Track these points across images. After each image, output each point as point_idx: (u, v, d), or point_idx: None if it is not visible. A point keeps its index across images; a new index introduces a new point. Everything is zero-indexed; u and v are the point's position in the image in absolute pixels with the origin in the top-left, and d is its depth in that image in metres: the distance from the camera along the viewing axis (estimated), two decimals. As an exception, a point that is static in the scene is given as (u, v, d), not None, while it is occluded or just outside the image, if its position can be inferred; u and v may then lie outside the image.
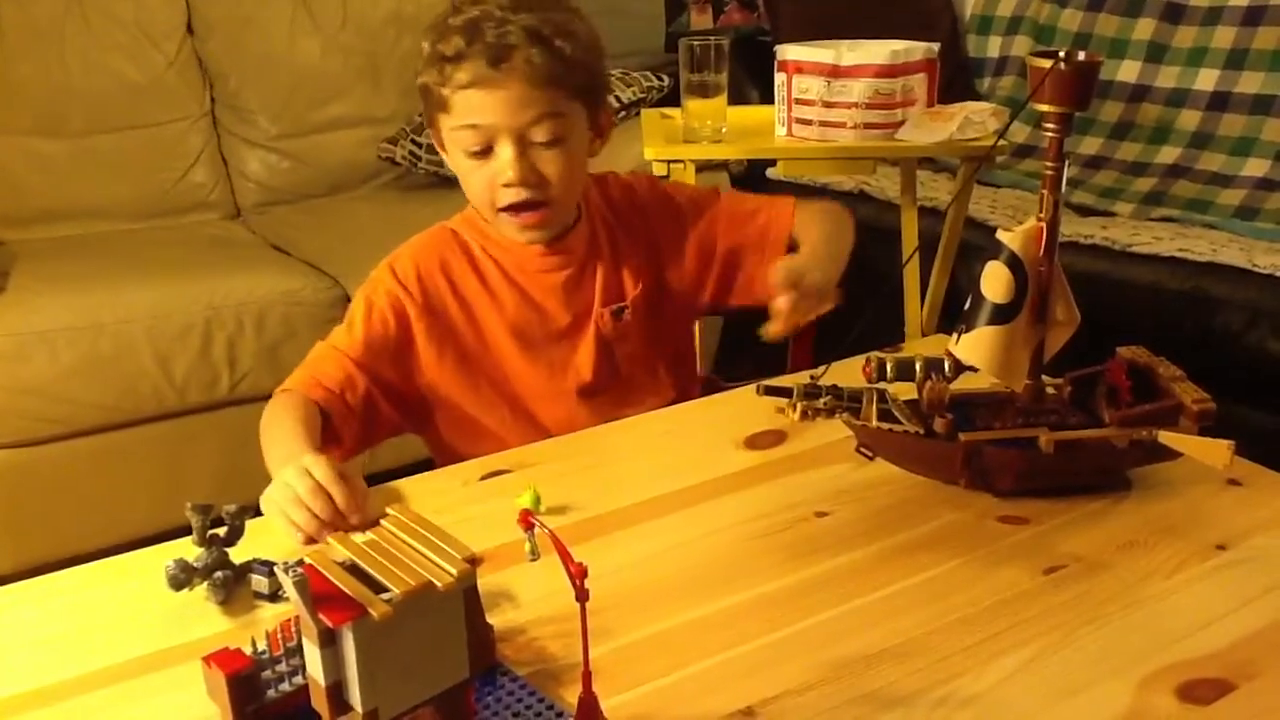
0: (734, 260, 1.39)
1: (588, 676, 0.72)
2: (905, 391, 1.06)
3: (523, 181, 1.21)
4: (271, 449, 1.11)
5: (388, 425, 1.27)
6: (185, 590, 0.91)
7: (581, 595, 0.68)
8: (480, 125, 1.20)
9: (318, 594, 0.63)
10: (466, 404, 1.29)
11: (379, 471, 2.23)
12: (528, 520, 0.90)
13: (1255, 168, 2.41)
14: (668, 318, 1.40)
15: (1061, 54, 0.95)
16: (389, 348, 1.26)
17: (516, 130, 1.20)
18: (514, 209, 1.23)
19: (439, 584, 0.64)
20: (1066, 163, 0.99)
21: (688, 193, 1.45)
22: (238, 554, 0.93)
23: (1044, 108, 0.97)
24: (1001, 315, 0.99)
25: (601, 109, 1.30)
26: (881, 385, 1.05)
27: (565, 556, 0.69)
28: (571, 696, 0.74)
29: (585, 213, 1.34)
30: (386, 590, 0.64)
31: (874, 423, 1.02)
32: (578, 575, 0.68)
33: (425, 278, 1.29)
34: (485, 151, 1.21)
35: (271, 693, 0.71)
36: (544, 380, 1.30)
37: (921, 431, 1.02)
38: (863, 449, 1.07)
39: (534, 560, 0.94)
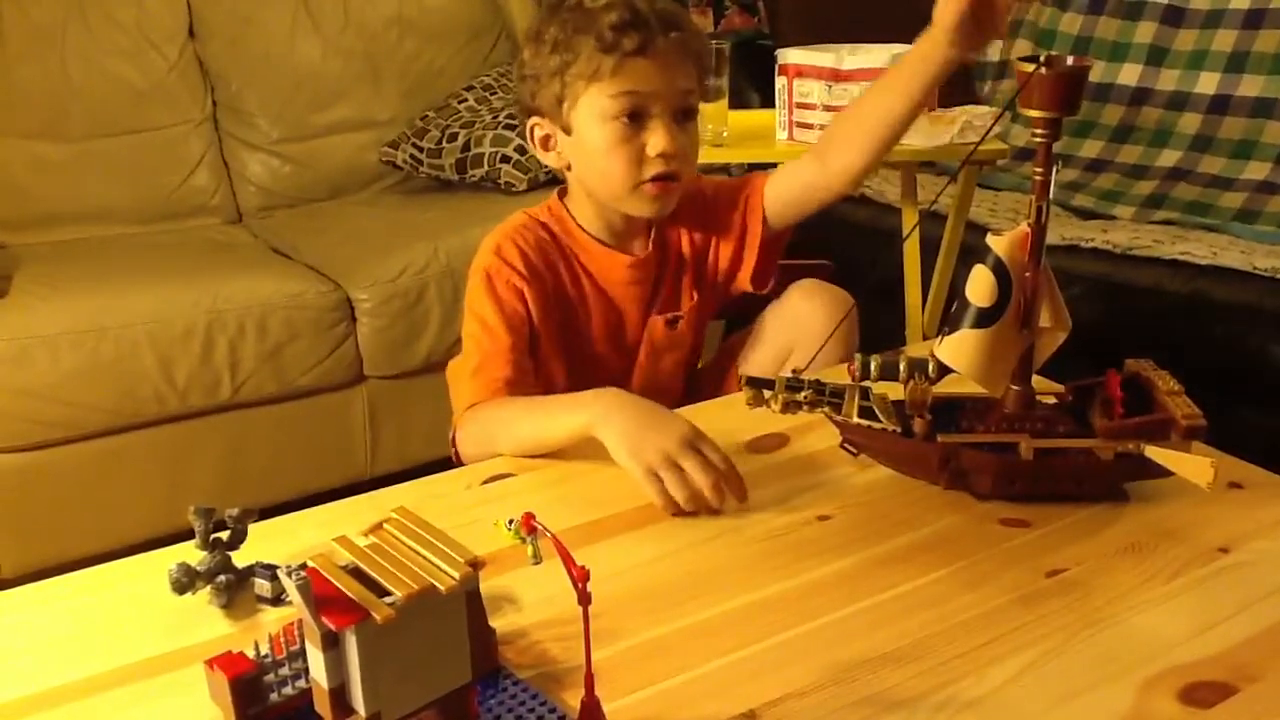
0: (734, 250, 1.39)
1: (590, 679, 0.72)
2: (899, 391, 1.06)
3: (675, 152, 1.24)
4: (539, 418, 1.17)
5: None
6: (188, 594, 0.91)
7: (583, 598, 0.69)
8: (641, 92, 1.22)
9: (320, 597, 0.63)
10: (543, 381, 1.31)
11: (381, 475, 2.24)
12: (530, 524, 0.91)
13: (1256, 171, 2.41)
14: (704, 321, 1.42)
15: (1042, 58, 0.94)
16: (527, 331, 1.28)
17: (673, 100, 1.24)
18: (656, 179, 1.25)
19: (441, 587, 0.64)
20: (1056, 168, 0.99)
21: (719, 187, 1.43)
22: (240, 557, 0.93)
23: (1032, 113, 0.96)
24: (984, 319, 0.99)
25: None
26: (866, 383, 1.05)
27: (567, 560, 0.69)
28: (574, 700, 0.74)
29: (660, 222, 1.35)
30: (389, 593, 0.64)
31: (854, 419, 1.02)
32: (580, 579, 0.68)
33: (529, 256, 1.30)
34: (635, 121, 1.24)
35: (274, 696, 0.71)
36: (604, 379, 1.31)
37: (899, 430, 1.02)
38: (846, 445, 1.08)
39: (536, 564, 0.94)
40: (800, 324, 1.34)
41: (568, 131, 1.28)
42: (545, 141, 1.32)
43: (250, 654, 0.71)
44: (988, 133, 1.32)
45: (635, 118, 1.23)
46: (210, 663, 0.70)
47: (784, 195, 1.36)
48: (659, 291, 1.37)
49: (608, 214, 1.33)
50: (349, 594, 0.63)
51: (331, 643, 0.63)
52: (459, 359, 1.30)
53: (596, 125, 1.24)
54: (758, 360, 1.39)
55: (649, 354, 1.37)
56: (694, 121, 1.28)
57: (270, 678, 0.71)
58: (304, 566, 0.64)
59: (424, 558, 0.67)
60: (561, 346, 1.32)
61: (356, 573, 0.66)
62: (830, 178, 1.33)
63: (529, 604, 0.90)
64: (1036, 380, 1.05)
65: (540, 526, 0.77)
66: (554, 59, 1.24)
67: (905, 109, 1.23)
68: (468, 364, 1.26)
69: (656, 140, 1.23)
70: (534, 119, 1.31)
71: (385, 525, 0.71)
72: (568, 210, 1.35)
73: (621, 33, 1.20)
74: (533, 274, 1.29)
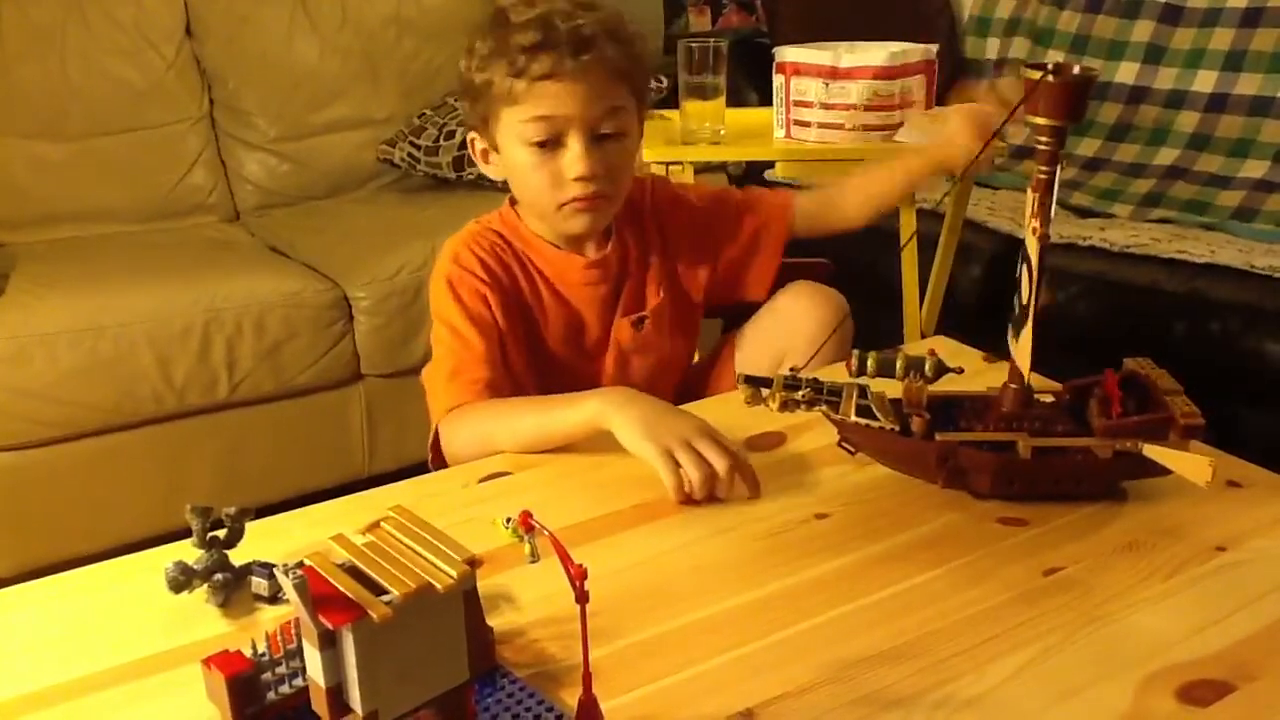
0: (740, 261, 1.42)
1: (588, 678, 0.72)
2: (898, 390, 1.06)
3: (593, 174, 1.22)
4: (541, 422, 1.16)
5: None
6: (185, 592, 0.91)
7: (581, 597, 0.68)
8: (554, 117, 1.21)
9: (317, 596, 0.63)
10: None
11: (379, 473, 2.24)
12: (528, 522, 0.90)
13: (1253, 169, 2.41)
14: (682, 325, 1.41)
15: (1051, 66, 0.94)
16: (496, 334, 1.27)
17: (589, 122, 1.22)
18: (577, 201, 1.24)
19: (439, 586, 0.64)
20: (1060, 166, 0.98)
21: (701, 195, 1.46)
22: (237, 556, 0.93)
23: (1038, 120, 0.96)
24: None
25: (645, 112, 1.33)
26: (863, 381, 1.05)
27: (565, 558, 0.69)
28: (571, 698, 0.74)
29: (617, 222, 1.34)
30: (386, 592, 0.64)
31: (852, 417, 1.02)
32: (578, 577, 0.68)
33: (487, 262, 1.30)
34: (551, 145, 1.22)
35: (271, 695, 0.70)
36: (566, 382, 1.31)
37: (897, 429, 1.02)
38: (844, 444, 1.07)
39: (534, 562, 0.94)
40: (793, 326, 1.35)
41: (495, 149, 1.28)
42: (485, 155, 1.32)
43: (247, 653, 0.71)
44: (992, 136, 1.32)
45: (551, 141, 1.22)
46: (207, 661, 0.70)
47: (806, 225, 1.44)
48: (621, 292, 1.36)
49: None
50: (346, 592, 0.63)
51: (329, 641, 0.63)
52: (432, 365, 1.29)
53: (516, 148, 1.24)
54: (749, 362, 1.39)
55: (616, 358, 1.36)
56: (620, 140, 1.25)
57: (267, 676, 0.71)
58: (301, 565, 0.64)
59: (421, 556, 0.67)
60: (526, 350, 1.31)
61: (354, 571, 0.66)
62: (841, 224, 1.48)
63: (526, 602, 0.90)
64: (1034, 379, 1.05)
65: (538, 525, 0.77)
66: (478, 78, 1.24)
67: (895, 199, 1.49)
68: (441, 369, 1.26)
69: (571, 164, 1.22)
70: (472, 133, 1.32)
71: (382, 524, 0.71)
72: (519, 216, 1.34)
73: (531, 56, 1.19)
74: (492, 279, 1.29)
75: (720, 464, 1.03)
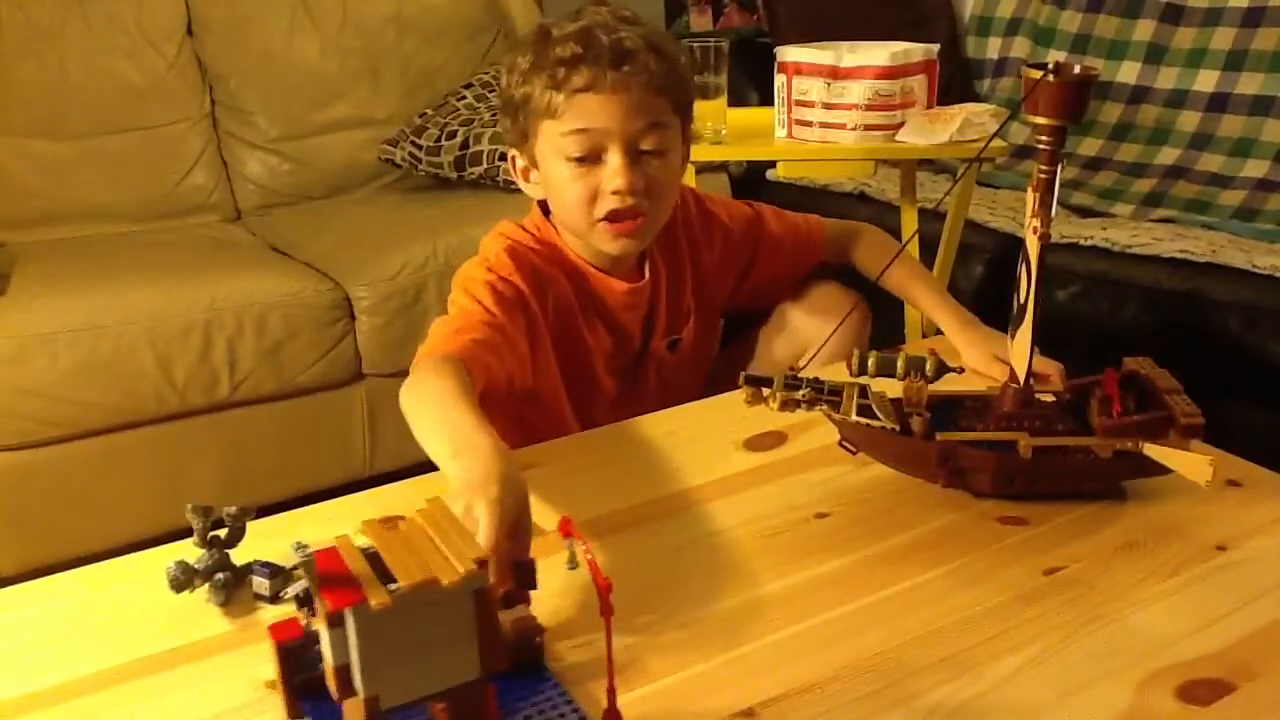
0: (766, 285, 1.45)
1: (612, 692, 0.72)
2: (898, 390, 1.06)
3: (630, 189, 1.21)
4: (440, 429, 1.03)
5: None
6: (186, 592, 0.91)
7: (606, 610, 0.68)
8: (592, 130, 1.19)
9: (331, 575, 0.63)
10: (533, 399, 1.27)
11: (380, 473, 2.24)
12: (567, 529, 0.90)
13: (1254, 169, 2.41)
14: (709, 333, 1.42)
15: (1052, 65, 0.94)
16: (510, 325, 1.20)
17: (629, 137, 1.20)
18: (614, 217, 1.23)
19: (444, 581, 0.64)
20: (1061, 165, 0.98)
21: (733, 215, 1.46)
22: (239, 555, 0.93)
23: (1038, 120, 0.96)
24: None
25: (689, 131, 1.31)
26: (864, 380, 1.05)
27: (596, 571, 0.69)
28: (586, 701, 0.74)
29: (654, 243, 1.33)
30: (397, 582, 0.64)
31: (852, 417, 1.02)
32: (604, 590, 0.68)
33: (538, 267, 1.27)
34: (590, 159, 1.21)
35: (322, 666, 0.70)
36: (603, 405, 1.31)
37: (897, 428, 1.02)
38: (845, 443, 1.08)
39: (572, 569, 0.93)
40: (823, 321, 1.38)
41: (535, 165, 1.27)
42: (526, 173, 1.30)
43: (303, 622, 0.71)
44: (993, 136, 1.32)
45: (590, 154, 1.21)
46: (271, 627, 0.70)
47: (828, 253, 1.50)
48: (656, 315, 1.36)
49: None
50: (356, 576, 0.64)
51: (336, 621, 0.63)
52: (438, 321, 1.21)
53: (554, 162, 1.23)
54: (779, 348, 1.42)
55: (658, 376, 1.36)
56: (662, 157, 1.23)
57: (318, 647, 0.71)
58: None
59: (439, 550, 0.67)
60: (559, 364, 1.29)
61: (374, 558, 0.66)
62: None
63: (544, 603, 0.89)
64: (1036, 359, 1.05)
65: (576, 533, 0.76)
66: (518, 92, 1.23)
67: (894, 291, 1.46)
68: (449, 324, 1.18)
69: (609, 177, 1.20)
70: (512, 151, 1.30)
71: (415, 515, 0.71)
72: (556, 231, 1.32)
73: (571, 68, 1.18)
74: (537, 284, 1.26)
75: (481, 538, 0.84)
